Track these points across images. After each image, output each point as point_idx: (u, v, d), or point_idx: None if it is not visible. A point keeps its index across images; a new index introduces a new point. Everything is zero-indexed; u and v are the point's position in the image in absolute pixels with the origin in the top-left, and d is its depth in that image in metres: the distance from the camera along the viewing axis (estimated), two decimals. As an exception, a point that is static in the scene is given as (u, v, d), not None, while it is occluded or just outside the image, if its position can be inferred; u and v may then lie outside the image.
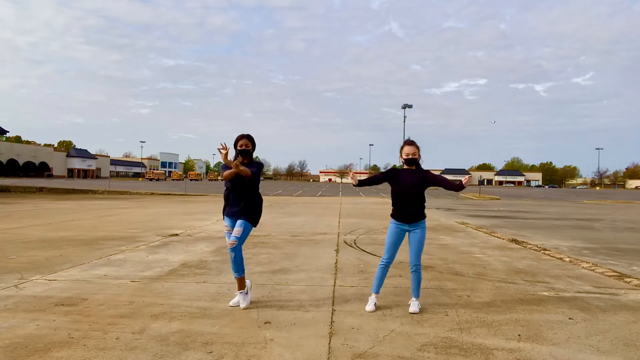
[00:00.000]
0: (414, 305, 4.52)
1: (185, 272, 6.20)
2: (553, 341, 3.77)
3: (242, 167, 4.42)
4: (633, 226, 14.93)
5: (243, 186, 4.58)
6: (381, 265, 4.65)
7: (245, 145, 4.61)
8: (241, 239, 4.52)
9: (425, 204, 4.63)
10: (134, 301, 4.71)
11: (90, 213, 15.67)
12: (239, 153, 4.63)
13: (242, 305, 4.53)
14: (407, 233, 4.60)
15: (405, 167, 4.63)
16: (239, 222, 4.56)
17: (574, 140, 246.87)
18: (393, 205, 4.63)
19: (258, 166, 4.69)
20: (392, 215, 4.64)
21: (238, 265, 4.54)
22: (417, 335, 3.84)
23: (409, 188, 4.51)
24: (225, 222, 4.70)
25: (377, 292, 4.68)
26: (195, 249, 8.19)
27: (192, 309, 4.46)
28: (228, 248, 4.53)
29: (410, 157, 4.55)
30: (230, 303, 4.63)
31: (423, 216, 4.60)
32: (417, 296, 4.62)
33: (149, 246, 8.39)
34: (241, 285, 4.59)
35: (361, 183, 4.62)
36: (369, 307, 4.54)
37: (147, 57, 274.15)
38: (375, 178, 4.75)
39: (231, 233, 4.57)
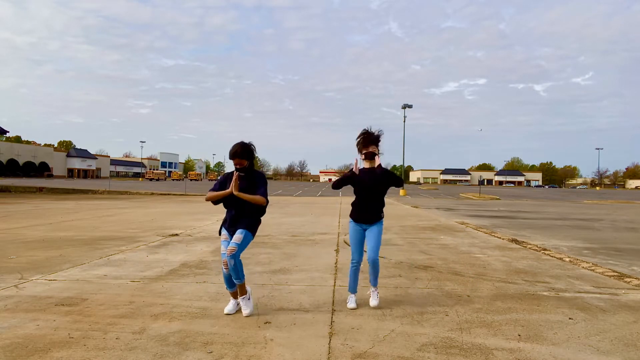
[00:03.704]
0: (374, 299, 4.66)
1: (185, 272, 6.20)
2: (553, 341, 3.77)
3: (247, 196, 4.22)
4: (633, 226, 14.93)
5: (248, 206, 4.33)
6: (353, 267, 4.68)
7: (240, 164, 4.27)
8: (241, 246, 4.24)
9: (384, 206, 4.67)
10: (134, 301, 4.71)
11: (90, 213, 15.66)
12: (236, 170, 4.32)
13: (246, 312, 4.31)
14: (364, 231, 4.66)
15: (366, 165, 4.58)
16: (239, 230, 4.30)
17: (574, 140, 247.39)
18: (353, 205, 4.66)
19: (262, 180, 4.41)
20: (352, 216, 4.66)
21: (238, 272, 4.26)
22: (417, 335, 3.84)
23: (369, 189, 4.52)
24: (223, 232, 4.42)
25: (355, 292, 4.73)
26: (195, 249, 8.19)
27: (192, 309, 4.46)
28: (226, 256, 4.18)
29: (369, 151, 4.51)
30: (226, 310, 4.38)
31: (381, 217, 4.64)
32: (376, 284, 4.74)
33: (149, 246, 8.38)
34: (242, 290, 4.37)
35: (335, 185, 4.66)
36: (351, 304, 4.61)
37: (146, 57, 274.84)
38: (341, 181, 4.63)
39: (228, 242, 4.29)
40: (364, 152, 4.53)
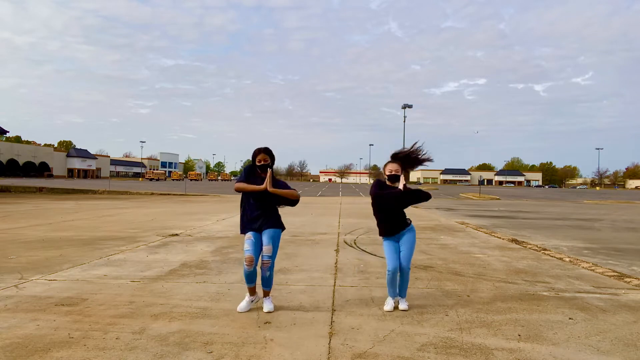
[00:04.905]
0: (403, 303, 4.59)
1: (185, 272, 6.20)
2: (553, 341, 3.77)
3: (282, 190, 4.38)
4: (633, 226, 14.92)
5: (273, 201, 4.47)
6: (389, 276, 4.58)
7: (264, 160, 4.42)
8: (273, 257, 4.43)
9: (405, 215, 4.67)
10: (134, 301, 4.71)
11: (90, 213, 15.66)
12: (258, 168, 4.44)
13: (268, 308, 4.43)
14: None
15: (388, 183, 4.60)
16: (267, 234, 4.41)
17: (574, 140, 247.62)
18: (380, 222, 4.61)
19: (285, 184, 4.58)
20: (381, 234, 4.63)
21: (270, 282, 4.46)
22: (417, 335, 3.84)
23: (395, 207, 4.52)
24: (249, 233, 4.46)
25: (394, 297, 4.66)
26: (195, 249, 8.19)
27: (192, 309, 4.46)
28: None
29: (393, 173, 4.56)
30: (239, 308, 4.43)
31: (408, 223, 4.64)
32: (404, 296, 4.66)
33: (149, 246, 8.38)
34: (266, 294, 4.53)
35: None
36: (388, 307, 4.56)
37: (146, 57, 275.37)
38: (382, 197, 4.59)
39: (253, 241, 4.37)
40: (386, 174, 4.59)
